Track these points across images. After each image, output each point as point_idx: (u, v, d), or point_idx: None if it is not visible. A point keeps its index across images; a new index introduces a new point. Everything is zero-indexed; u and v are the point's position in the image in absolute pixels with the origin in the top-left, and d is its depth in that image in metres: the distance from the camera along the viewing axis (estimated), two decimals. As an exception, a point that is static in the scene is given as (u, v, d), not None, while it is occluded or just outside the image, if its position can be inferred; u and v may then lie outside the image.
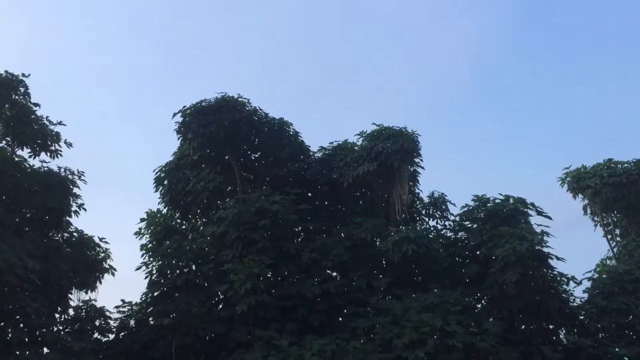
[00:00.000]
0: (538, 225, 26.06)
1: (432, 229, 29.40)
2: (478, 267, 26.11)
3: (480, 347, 22.09)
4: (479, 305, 26.07)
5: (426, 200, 30.27)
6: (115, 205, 58.33)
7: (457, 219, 28.83)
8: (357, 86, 74.02)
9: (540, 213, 27.05)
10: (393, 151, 26.52)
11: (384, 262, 26.74)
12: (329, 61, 74.88)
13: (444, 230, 29.32)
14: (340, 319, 25.23)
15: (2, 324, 22.07)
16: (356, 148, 28.49)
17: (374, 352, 21.97)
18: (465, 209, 28.21)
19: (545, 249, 24.58)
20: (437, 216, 30.01)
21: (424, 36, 73.67)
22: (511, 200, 27.39)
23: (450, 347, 21.79)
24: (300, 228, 28.36)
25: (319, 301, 25.02)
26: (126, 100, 71.53)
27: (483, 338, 22.48)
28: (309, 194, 29.42)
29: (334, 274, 26.24)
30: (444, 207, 29.96)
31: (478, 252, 26.75)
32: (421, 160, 28.33)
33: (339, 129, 74.92)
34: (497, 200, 27.51)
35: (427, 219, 30.21)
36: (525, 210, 27.18)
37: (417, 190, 29.93)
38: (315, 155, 30.04)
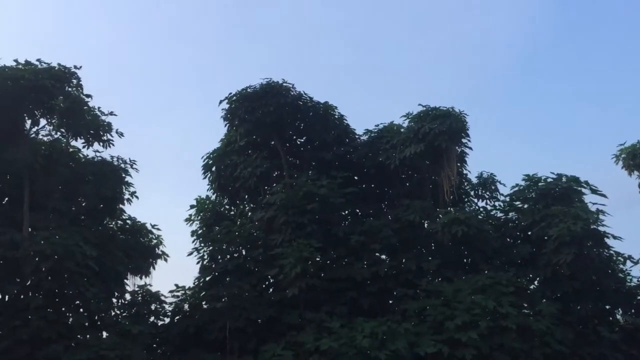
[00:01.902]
0: (593, 203, 25.45)
1: (481, 209, 29.02)
2: (530, 248, 25.73)
3: (535, 328, 21.80)
4: (532, 287, 25.66)
5: (474, 181, 29.87)
6: (165, 193, 59.40)
7: (507, 199, 28.41)
8: (398, 68, 73.13)
9: (594, 191, 26.40)
10: (440, 132, 26.12)
11: (432, 244, 26.57)
12: (369, 43, 74.12)
13: (494, 211, 28.90)
14: (390, 301, 25.22)
15: (63, 309, 22.92)
16: (402, 130, 28.20)
17: (426, 334, 21.93)
18: (516, 188, 27.75)
19: (600, 228, 24.08)
20: (487, 197, 29.60)
21: (467, 13, 72.09)
22: (564, 179, 26.81)
23: (504, 329, 21.57)
24: (347, 211, 28.37)
25: (369, 284, 25.07)
26: (172, 89, 72.53)
27: (538, 319, 22.21)
28: (355, 178, 29.32)
29: (383, 256, 26.22)
30: (493, 187, 29.52)
31: (530, 233, 26.32)
32: (469, 140, 27.92)
33: (381, 112, 74.13)
34: (549, 179, 26.96)
35: (475, 200, 29.85)
36: (579, 188, 26.59)
37: (464, 171, 29.54)
38: (361, 138, 29.85)
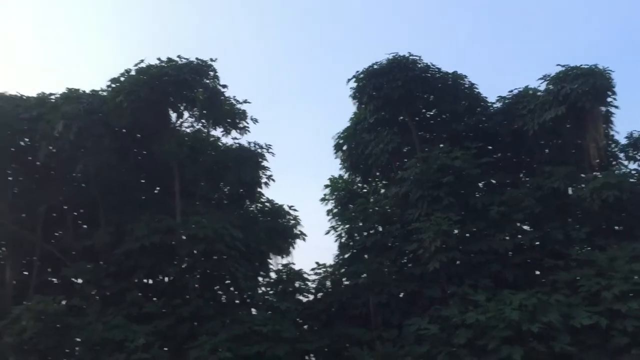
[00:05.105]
0: None
1: (633, 172, 26.82)
2: (694, 211, 23.46)
3: None
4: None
5: (624, 142, 27.65)
6: (299, 174, 60.87)
7: (664, 159, 26.03)
8: (527, 29, 69.11)
9: None
10: (583, 92, 24.38)
11: (579, 211, 25.06)
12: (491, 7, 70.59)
13: (649, 173, 26.59)
14: (537, 272, 24.16)
15: (216, 287, 24.45)
16: (540, 94, 26.71)
17: (580, 305, 20.80)
18: (674, 146, 25.35)
19: None
20: (639, 158, 27.28)
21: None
22: None
23: (670, 298, 19.92)
24: (483, 182, 27.50)
25: (512, 255, 24.21)
26: (303, 70, 73.56)
27: None
28: (490, 147, 28.27)
29: (525, 227, 25.15)
30: (646, 147, 27.16)
31: (692, 194, 23.95)
32: (615, 99, 25.83)
33: (512, 78, 70.21)
34: None
35: (626, 163, 27.62)
36: None
37: (611, 132, 27.43)
38: (494, 106, 28.69)
